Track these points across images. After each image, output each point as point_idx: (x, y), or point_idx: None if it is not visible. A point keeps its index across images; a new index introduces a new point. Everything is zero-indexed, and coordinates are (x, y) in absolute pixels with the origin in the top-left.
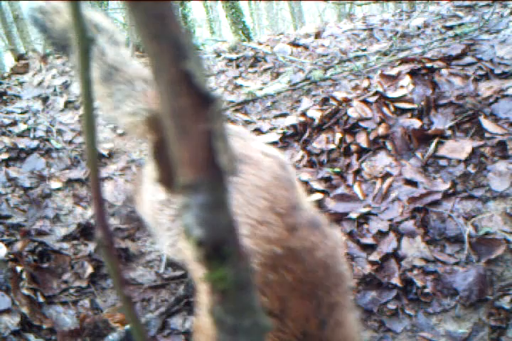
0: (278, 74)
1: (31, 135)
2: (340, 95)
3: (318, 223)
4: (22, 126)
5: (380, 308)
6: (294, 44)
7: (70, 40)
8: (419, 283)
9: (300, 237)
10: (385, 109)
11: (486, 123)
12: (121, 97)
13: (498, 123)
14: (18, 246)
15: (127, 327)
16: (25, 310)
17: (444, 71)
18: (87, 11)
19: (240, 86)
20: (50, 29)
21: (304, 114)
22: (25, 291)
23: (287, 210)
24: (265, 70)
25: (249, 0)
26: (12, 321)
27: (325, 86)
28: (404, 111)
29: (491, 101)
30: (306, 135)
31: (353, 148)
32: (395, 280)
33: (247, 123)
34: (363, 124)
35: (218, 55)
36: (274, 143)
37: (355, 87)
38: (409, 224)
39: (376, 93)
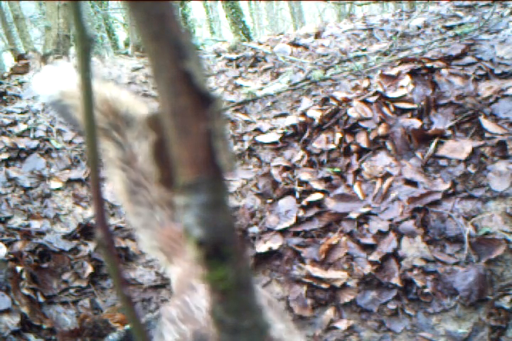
0: (278, 74)
1: (31, 135)
2: (340, 95)
3: None
4: (22, 126)
5: (380, 308)
6: (294, 44)
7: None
8: (419, 283)
9: None
10: (385, 109)
11: (486, 123)
12: (142, 223)
13: (498, 123)
14: (18, 246)
15: (127, 327)
16: (25, 310)
17: (444, 71)
18: (107, 87)
19: (240, 86)
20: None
21: (304, 114)
22: (25, 291)
23: None
24: (265, 70)
25: (249, 0)
26: (12, 321)
27: (325, 86)
28: (404, 111)
29: (491, 101)
30: (306, 135)
31: (353, 148)
32: (395, 280)
33: (247, 123)
34: (363, 124)
35: (218, 55)
36: (274, 143)
37: (355, 87)
38: (409, 224)
39: (376, 93)
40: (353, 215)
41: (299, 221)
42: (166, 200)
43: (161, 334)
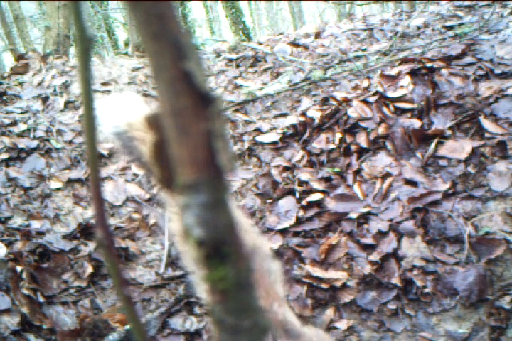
0: (278, 74)
1: (31, 135)
2: (340, 95)
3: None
4: (22, 126)
5: (380, 308)
6: (294, 44)
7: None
8: (419, 283)
9: None
10: (385, 109)
11: (486, 123)
12: None
13: (498, 123)
14: (18, 246)
15: (127, 327)
16: (25, 310)
17: (444, 71)
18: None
19: (240, 86)
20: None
21: (304, 114)
22: (25, 291)
23: None
24: (265, 70)
25: (249, 0)
26: (12, 321)
27: (325, 86)
28: (404, 111)
29: (491, 101)
30: (306, 135)
31: (353, 148)
32: (395, 280)
33: (247, 123)
34: (363, 124)
35: (218, 55)
36: (274, 143)
37: (355, 87)
38: (409, 224)
39: (376, 93)
40: (353, 215)
41: (299, 221)
42: None
43: None
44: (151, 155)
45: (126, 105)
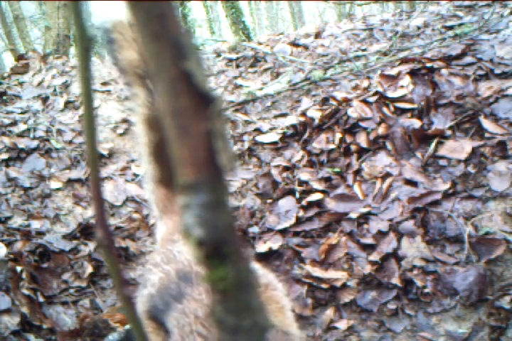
0: (278, 74)
1: (31, 135)
2: (340, 95)
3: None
4: (22, 126)
5: (380, 308)
6: (294, 44)
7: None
8: (419, 283)
9: None
10: (385, 109)
11: (486, 123)
12: (150, 174)
13: (498, 123)
14: (18, 246)
15: (127, 327)
16: (25, 310)
17: (444, 71)
18: None
19: (240, 86)
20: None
21: (304, 114)
22: (25, 291)
23: None
24: (265, 70)
25: (249, 0)
26: (12, 321)
27: (325, 86)
28: (404, 111)
29: (491, 101)
30: (306, 135)
31: (353, 148)
32: (395, 280)
33: (247, 123)
34: (363, 124)
35: (218, 55)
36: (274, 143)
37: (355, 87)
38: (409, 224)
39: (376, 93)
40: (353, 215)
41: (299, 221)
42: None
43: (147, 278)
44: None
45: (118, 9)
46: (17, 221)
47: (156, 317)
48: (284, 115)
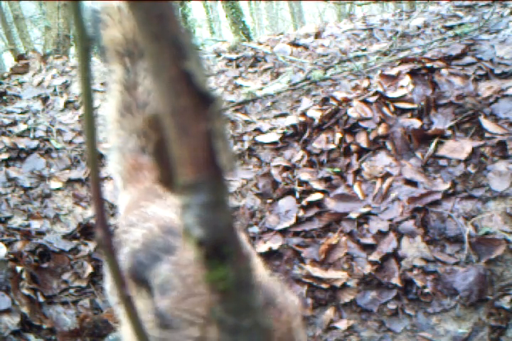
0: (278, 74)
1: (31, 135)
2: (340, 95)
3: (272, 298)
4: (22, 126)
5: (380, 308)
6: (294, 44)
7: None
8: (419, 283)
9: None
10: (385, 109)
11: (486, 123)
12: (117, 146)
13: (498, 123)
14: (18, 246)
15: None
16: (25, 310)
17: (444, 71)
18: None
19: (240, 86)
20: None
21: (304, 114)
22: (25, 291)
23: None
24: (265, 70)
25: (249, 0)
26: (12, 321)
27: (325, 86)
28: (404, 111)
29: (491, 101)
30: (306, 135)
31: (353, 148)
32: (395, 280)
33: (247, 123)
34: (363, 124)
35: (218, 55)
36: (274, 143)
37: (355, 87)
38: (409, 224)
39: (376, 93)
40: (353, 215)
41: (299, 221)
42: (143, 131)
43: (126, 238)
44: (151, 154)
45: None
46: (17, 221)
47: (139, 275)
48: (284, 115)
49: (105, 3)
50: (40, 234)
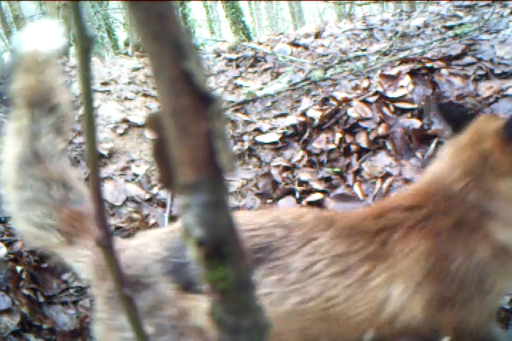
0: (278, 74)
1: None
2: (340, 95)
3: None
4: None
5: None
6: (294, 44)
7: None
8: None
9: None
10: (385, 109)
11: None
12: (31, 198)
13: None
14: (18, 246)
15: None
16: (25, 310)
17: (444, 71)
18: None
19: (240, 86)
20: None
21: (304, 114)
22: (25, 291)
23: None
24: (265, 70)
25: (249, 0)
26: (12, 321)
27: (325, 86)
28: (404, 111)
29: (491, 101)
30: (306, 135)
31: (353, 148)
32: None
33: (247, 123)
34: (363, 124)
35: (218, 55)
36: (274, 143)
37: (355, 87)
38: None
39: (376, 93)
40: None
41: None
42: (63, 180)
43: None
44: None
45: (46, 38)
46: None
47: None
48: (284, 115)
49: (31, 49)
50: None
